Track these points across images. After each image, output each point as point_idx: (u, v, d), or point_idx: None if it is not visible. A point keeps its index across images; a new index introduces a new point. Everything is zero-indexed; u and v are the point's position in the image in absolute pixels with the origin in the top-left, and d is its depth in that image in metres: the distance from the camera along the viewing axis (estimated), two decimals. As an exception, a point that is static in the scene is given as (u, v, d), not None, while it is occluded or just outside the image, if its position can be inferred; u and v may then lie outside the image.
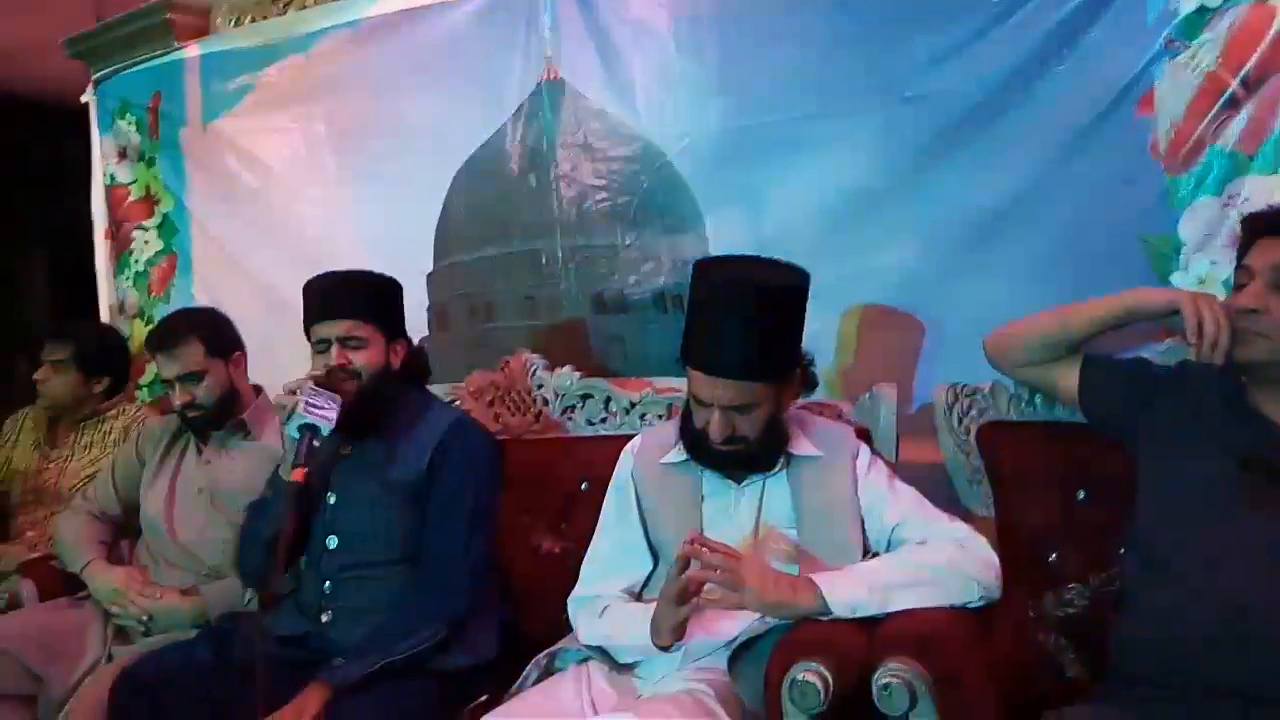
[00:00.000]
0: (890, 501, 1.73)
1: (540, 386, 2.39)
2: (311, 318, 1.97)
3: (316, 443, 1.83)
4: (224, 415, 2.32)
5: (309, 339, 1.99)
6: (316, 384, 1.87)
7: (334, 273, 2.03)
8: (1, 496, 2.97)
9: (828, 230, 2.34)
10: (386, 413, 1.95)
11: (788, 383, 1.73)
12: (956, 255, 2.22)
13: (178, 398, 2.28)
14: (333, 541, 1.95)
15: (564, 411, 2.36)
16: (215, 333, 2.33)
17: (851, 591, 1.58)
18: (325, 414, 1.82)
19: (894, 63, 2.25)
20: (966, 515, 1.90)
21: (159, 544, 2.31)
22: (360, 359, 1.93)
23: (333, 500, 1.97)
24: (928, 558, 1.64)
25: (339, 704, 1.73)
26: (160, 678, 1.83)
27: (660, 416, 2.23)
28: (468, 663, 1.89)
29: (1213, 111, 1.96)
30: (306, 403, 1.82)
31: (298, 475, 1.79)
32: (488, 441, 2.08)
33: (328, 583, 1.94)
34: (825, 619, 1.57)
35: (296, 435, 1.81)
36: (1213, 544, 1.49)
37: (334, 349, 1.93)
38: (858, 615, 1.58)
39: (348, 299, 1.96)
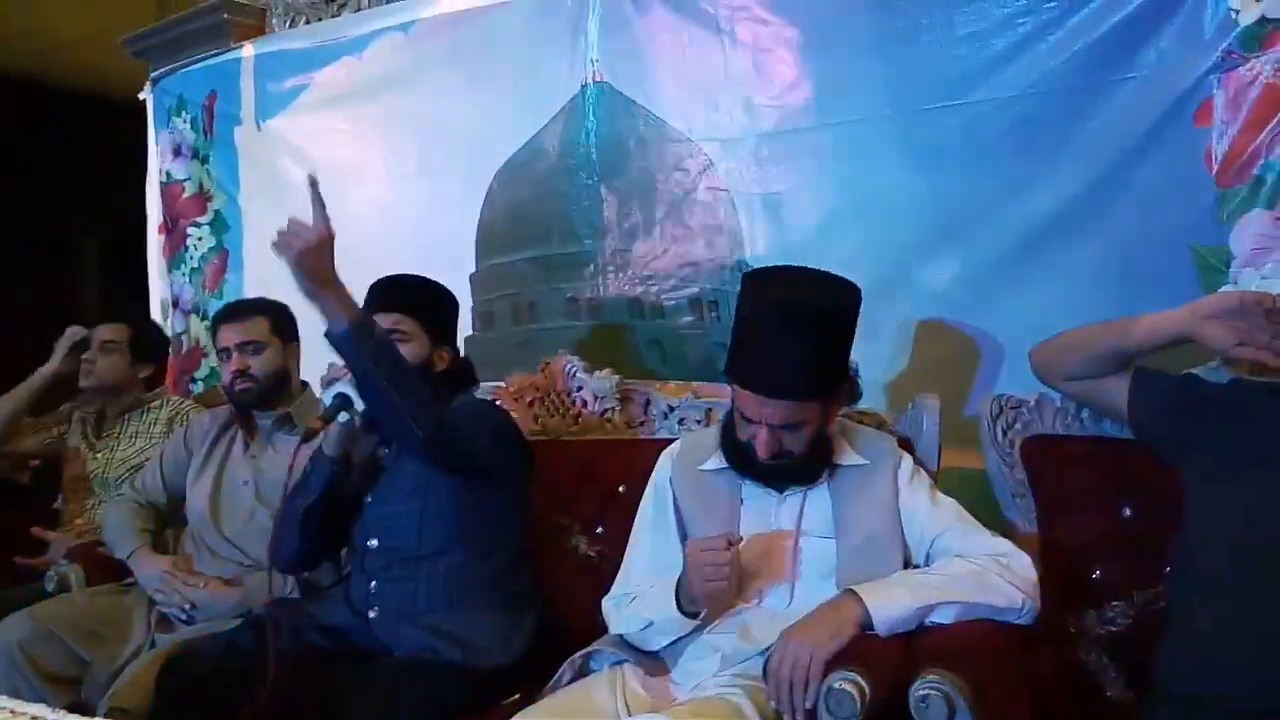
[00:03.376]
0: (931, 513, 1.72)
1: (580, 389, 2.40)
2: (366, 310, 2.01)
3: (345, 415, 1.87)
4: (271, 399, 2.36)
5: None
6: None
7: (393, 275, 2.09)
8: (49, 482, 3.04)
9: (871, 239, 2.32)
10: None
11: (836, 398, 1.71)
12: (1007, 265, 2.18)
13: (233, 364, 2.32)
14: (374, 542, 1.99)
15: (603, 414, 2.37)
16: (282, 316, 2.42)
17: (897, 604, 1.56)
18: None
19: (944, 68, 2.22)
20: (1009, 529, 1.88)
21: (204, 534, 2.35)
22: (405, 350, 1.96)
23: (370, 501, 2.01)
24: (970, 573, 1.61)
25: (370, 693, 1.75)
26: (203, 666, 1.86)
27: (699, 422, 2.23)
28: (502, 661, 1.90)
29: (1270, 124, 1.92)
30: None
31: (314, 423, 1.86)
32: (508, 418, 2.13)
33: (373, 582, 1.97)
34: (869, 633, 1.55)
35: (330, 402, 1.87)
36: (1261, 564, 1.46)
37: None
38: (897, 631, 1.56)
39: (398, 295, 2.04)
